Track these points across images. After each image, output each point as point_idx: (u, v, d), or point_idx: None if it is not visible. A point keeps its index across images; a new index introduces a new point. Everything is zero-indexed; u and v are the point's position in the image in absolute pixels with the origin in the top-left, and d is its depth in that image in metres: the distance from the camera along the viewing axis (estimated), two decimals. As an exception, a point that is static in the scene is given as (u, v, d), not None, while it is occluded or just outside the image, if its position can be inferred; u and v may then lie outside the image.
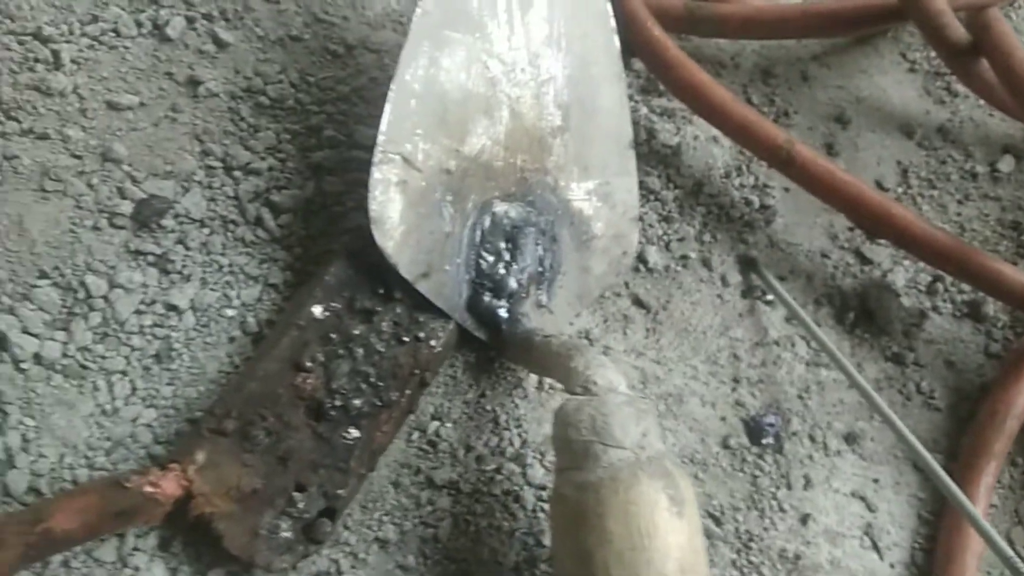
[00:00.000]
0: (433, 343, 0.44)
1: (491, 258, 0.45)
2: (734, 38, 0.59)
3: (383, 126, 0.41)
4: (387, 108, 0.42)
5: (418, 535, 0.42)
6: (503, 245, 0.45)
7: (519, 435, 0.45)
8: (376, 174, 0.41)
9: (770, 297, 0.53)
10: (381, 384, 0.42)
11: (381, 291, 0.44)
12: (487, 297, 0.45)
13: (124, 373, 0.41)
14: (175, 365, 0.42)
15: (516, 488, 0.44)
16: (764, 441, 0.49)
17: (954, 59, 0.54)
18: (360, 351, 0.43)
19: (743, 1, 0.58)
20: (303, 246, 0.47)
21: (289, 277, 0.46)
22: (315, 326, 0.42)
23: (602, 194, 0.49)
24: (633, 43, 0.54)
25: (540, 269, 0.46)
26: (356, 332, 0.43)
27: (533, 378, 0.47)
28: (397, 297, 0.44)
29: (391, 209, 0.42)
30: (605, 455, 0.36)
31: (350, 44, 0.53)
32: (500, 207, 0.46)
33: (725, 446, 0.48)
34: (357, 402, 0.42)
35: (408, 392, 0.43)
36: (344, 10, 0.54)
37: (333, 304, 0.43)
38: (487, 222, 0.45)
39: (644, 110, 0.57)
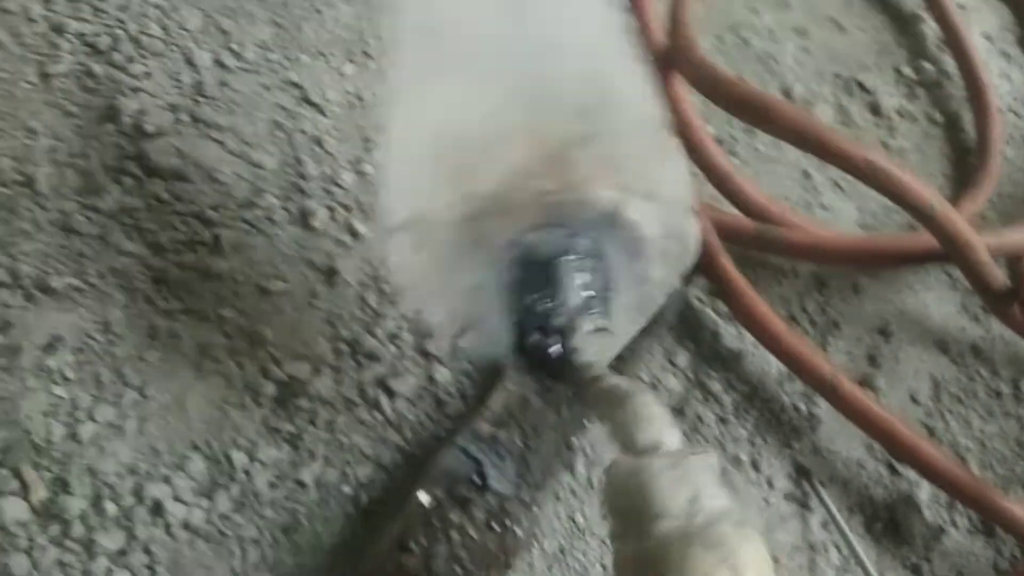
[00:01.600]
0: (518, 531, 0.50)
1: (532, 296, 0.42)
2: (797, 260, 0.67)
3: (384, 197, 0.41)
4: (385, 174, 0.41)
5: None
6: (542, 280, 0.42)
7: (584, 624, 0.52)
8: (390, 249, 0.40)
9: (811, 503, 0.60)
10: (472, 568, 0.49)
11: (478, 481, 0.51)
12: (536, 336, 0.42)
13: (256, 542, 0.48)
14: (298, 537, 0.49)
15: None
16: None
17: (994, 303, 0.61)
18: (456, 536, 0.50)
19: (806, 229, 0.65)
20: (412, 431, 0.54)
21: (398, 458, 0.53)
22: (421, 511, 0.49)
23: (645, 191, 0.44)
24: (703, 266, 0.62)
25: (590, 293, 0.42)
26: (454, 519, 0.50)
27: (599, 569, 0.53)
28: (491, 488, 0.51)
29: (414, 276, 0.41)
30: (653, 526, 0.33)
31: (463, 238, 0.61)
32: (529, 240, 0.42)
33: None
34: (451, 585, 0.48)
35: (495, 575, 0.49)
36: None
37: (436, 492, 0.50)
38: (518, 260, 0.42)
39: (710, 311, 0.64)
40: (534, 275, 0.41)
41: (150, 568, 0.46)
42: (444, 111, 0.40)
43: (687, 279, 0.62)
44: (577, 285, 0.41)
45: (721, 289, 0.62)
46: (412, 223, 0.40)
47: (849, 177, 0.75)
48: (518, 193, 0.41)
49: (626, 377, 0.41)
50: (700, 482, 0.34)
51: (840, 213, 0.74)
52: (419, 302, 0.42)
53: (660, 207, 0.44)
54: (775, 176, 0.73)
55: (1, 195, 0.53)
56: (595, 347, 0.42)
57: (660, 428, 0.36)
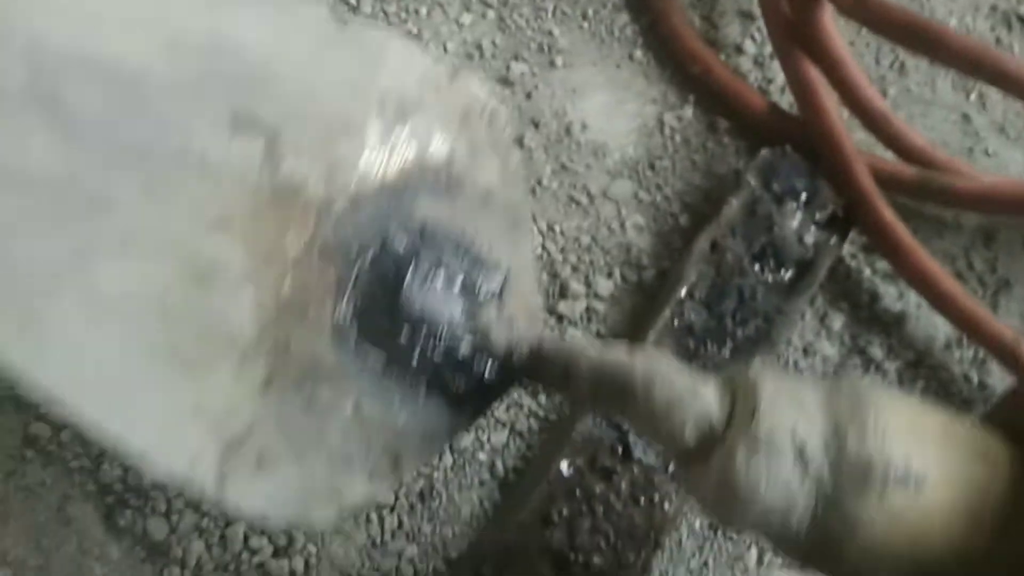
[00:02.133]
0: (667, 506, 0.47)
1: (417, 355, 0.33)
2: (966, 210, 0.60)
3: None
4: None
5: None
6: (409, 325, 0.33)
7: (738, 607, 0.48)
8: (232, 498, 0.29)
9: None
10: (619, 543, 0.46)
11: (620, 450, 0.48)
12: (460, 377, 0.34)
13: (392, 508, 0.47)
14: (435, 504, 0.47)
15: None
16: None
17: None
18: (600, 509, 0.47)
19: (975, 176, 0.58)
20: (546, 395, 0.51)
21: (533, 424, 0.50)
22: (561, 481, 0.46)
23: (393, 114, 0.34)
24: (862, 221, 0.56)
25: (458, 283, 0.35)
26: (597, 490, 0.47)
27: (753, 552, 0.49)
28: (635, 458, 0.47)
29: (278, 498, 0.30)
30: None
31: (592, 193, 0.57)
32: (343, 307, 0.32)
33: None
34: (597, 560, 0.45)
35: (643, 553, 0.46)
36: (587, 158, 0.58)
37: (577, 461, 0.47)
38: (368, 339, 0.33)
39: (867, 271, 0.58)
40: (397, 329, 0.32)
41: (287, 534, 0.45)
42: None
43: (842, 233, 0.56)
44: (442, 293, 0.33)
45: (881, 244, 0.56)
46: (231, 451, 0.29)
47: (1016, 120, 0.67)
48: (292, 282, 0.30)
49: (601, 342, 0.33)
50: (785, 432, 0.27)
51: (1006, 160, 0.66)
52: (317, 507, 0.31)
53: (420, 117, 0.34)
54: (931, 120, 0.66)
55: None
56: (517, 310, 0.35)
57: (699, 405, 0.29)
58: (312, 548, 0.45)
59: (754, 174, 0.56)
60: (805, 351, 0.55)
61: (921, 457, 0.26)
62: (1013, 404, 0.29)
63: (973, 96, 0.67)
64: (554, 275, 0.54)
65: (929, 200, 0.59)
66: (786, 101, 0.63)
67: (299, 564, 0.45)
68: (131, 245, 0.27)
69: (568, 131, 0.59)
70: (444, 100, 0.34)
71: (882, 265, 0.58)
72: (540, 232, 0.56)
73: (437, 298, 0.33)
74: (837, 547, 0.26)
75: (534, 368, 0.34)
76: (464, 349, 0.33)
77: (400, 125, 0.32)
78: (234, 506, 0.29)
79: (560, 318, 0.53)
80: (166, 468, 0.28)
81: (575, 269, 0.55)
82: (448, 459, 0.48)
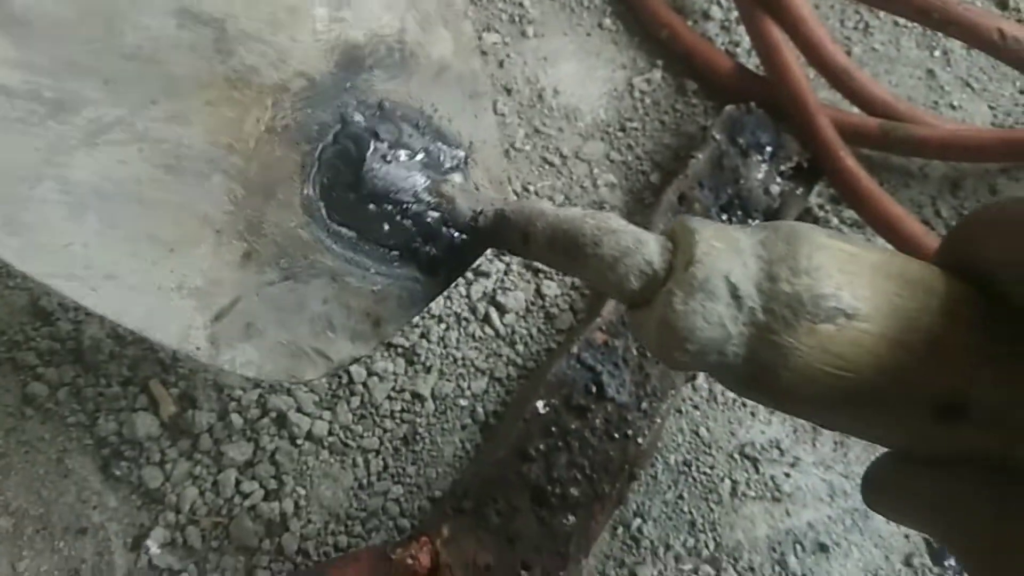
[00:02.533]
0: (640, 440, 0.49)
1: (385, 223, 0.35)
2: (929, 159, 0.62)
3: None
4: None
5: (621, 622, 0.47)
6: (375, 200, 0.34)
7: (713, 539, 0.50)
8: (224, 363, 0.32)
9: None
10: (595, 476, 0.48)
11: (594, 390, 0.50)
12: (428, 246, 0.35)
13: (377, 452, 0.49)
14: (418, 447, 0.49)
15: (711, 588, 0.48)
16: (946, 562, 0.51)
17: None
18: (576, 444, 0.48)
19: (937, 125, 0.60)
20: (524, 344, 0.53)
21: (511, 372, 0.52)
22: (538, 420, 0.48)
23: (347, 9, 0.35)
24: (826, 169, 0.58)
25: (421, 154, 0.36)
26: (573, 427, 0.49)
27: (727, 483, 0.51)
28: (609, 397, 0.49)
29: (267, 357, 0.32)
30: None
31: (565, 154, 0.59)
32: (309, 185, 0.34)
33: (908, 564, 0.51)
34: (574, 491, 0.47)
35: (618, 485, 0.48)
36: (559, 122, 0.61)
37: (553, 400, 0.49)
38: (318, 206, 0.34)
39: (834, 220, 0.60)
40: (364, 204, 0.34)
41: (277, 478, 0.47)
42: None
43: (808, 184, 0.58)
44: (404, 167, 0.34)
45: (845, 191, 0.58)
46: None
47: (980, 74, 0.69)
48: (252, 153, 0.32)
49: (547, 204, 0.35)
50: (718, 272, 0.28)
51: (972, 112, 0.68)
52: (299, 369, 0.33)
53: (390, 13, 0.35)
54: (896, 76, 0.68)
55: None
56: (481, 179, 0.36)
57: (643, 253, 0.30)
58: (301, 490, 0.47)
59: (720, 129, 0.58)
60: (775, 297, 0.57)
61: (853, 288, 0.27)
62: (955, 237, 0.30)
63: (937, 52, 0.69)
64: (530, 232, 0.57)
65: (893, 150, 0.61)
66: (752, 64, 0.65)
67: (289, 506, 0.47)
68: (100, 140, 0.29)
69: (540, 97, 0.62)
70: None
71: (849, 214, 0.60)
72: (515, 192, 0.58)
73: (400, 172, 0.34)
74: (772, 376, 0.28)
75: (497, 232, 0.35)
76: (431, 219, 0.34)
77: (347, 2, 0.33)
78: (228, 368, 0.32)
79: (536, 272, 0.55)
80: (161, 340, 0.31)
81: (550, 226, 0.57)
82: (431, 405, 0.50)
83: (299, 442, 0.48)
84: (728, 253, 0.29)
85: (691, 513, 0.50)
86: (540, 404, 0.49)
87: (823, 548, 0.50)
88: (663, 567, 0.49)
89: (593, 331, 0.51)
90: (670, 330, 0.28)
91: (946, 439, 0.27)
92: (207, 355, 0.31)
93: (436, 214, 0.35)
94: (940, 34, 0.68)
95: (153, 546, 0.46)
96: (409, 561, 0.43)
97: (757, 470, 0.52)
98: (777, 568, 0.49)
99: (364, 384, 0.50)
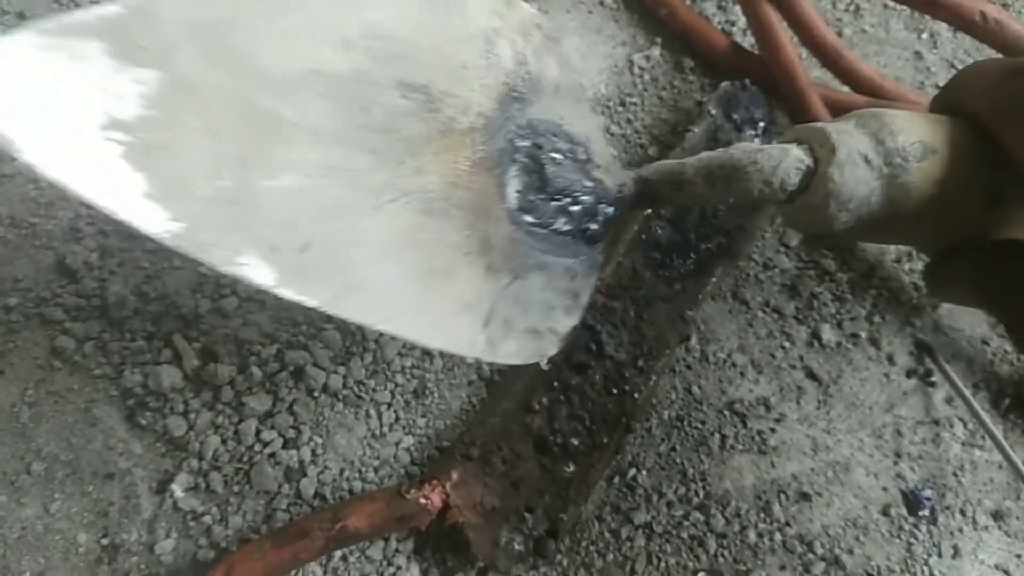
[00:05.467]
0: (636, 395, 0.53)
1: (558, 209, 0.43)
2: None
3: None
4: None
5: (617, 565, 0.52)
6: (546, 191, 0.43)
7: (703, 488, 0.54)
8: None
9: (933, 379, 0.60)
10: (594, 427, 0.52)
11: (593, 348, 0.54)
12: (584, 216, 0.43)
13: (389, 405, 0.53)
14: (428, 401, 0.53)
15: (700, 534, 0.53)
16: (921, 512, 0.56)
17: None
18: (576, 398, 0.53)
19: (921, 102, 0.65)
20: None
21: (515, 332, 0.56)
22: (541, 375, 0.53)
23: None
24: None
25: (575, 154, 0.44)
26: (573, 382, 0.53)
27: (717, 437, 0.56)
28: (607, 355, 0.54)
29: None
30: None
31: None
32: (508, 199, 0.42)
33: (885, 514, 0.56)
34: (575, 441, 0.52)
35: (616, 436, 0.52)
36: (562, 95, 0.65)
37: (555, 358, 0.53)
38: (518, 213, 0.42)
39: (821, 195, 0.65)
40: (547, 202, 0.43)
41: (295, 428, 0.51)
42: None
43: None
44: (562, 168, 0.43)
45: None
46: None
47: (965, 57, 0.74)
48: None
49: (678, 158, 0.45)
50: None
51: (957, 94, 0.72)
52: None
53: (501, 41, 0.43)
54: (885, 58, 0.72)
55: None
56: (604, 160, 0.44)
57: (794, 156, 0.42)
58: (318, 439, 0.51)
59: (715, 104, 0.62)
60: (765, 265, 0.62)
61: (926, 134, 0.42)
62: (947, 88, 0.46)
63: (925, 35, 0.74)
64: (533, 201, 0.61)
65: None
66: (747, 43, 0.69)
67: (307, 454, 0.51)
68: (381, 202, 0.37)
69: (543, 71, 0.65)
70: (508, 22, 0.43)
71: (837, 188, 0.64)
72: (519, 163, 0.62)
73: (562, 171, 0.43)
74: (902, 209, 0.42)
75: (648, 195, 0.45)
76: (588, 201, 0.43)
77: (491, 51, 0.41)
78: (503, 360, 0.41)
79: (539, 238, 0.59)
80: (458, 352, 0.40)
81: (552, 195, 0.61)
82: (439, 362, 0.54)
83: (316, 394, 0.52)
84: (848, 135, 0.41)
85: (683, 464, 0.55)
86: (543, 361, 0.53)
87: (805, 497, 0.55)
88: (656, 513, 0.53)
89: (593, 293, 0.55)
90: (836, 198, 0.41)
91: (995, 222, 0.43)
92: (489, 355, 0.40)
93: (591, 197, 0.43)
94: (927, 17, 0.72)
95: (178, 490, 0.50)
96: (423, 501, 0.48)
97: (745, 425, 0.56)
98: (762, 515, 0.54)
99: (376, 341, 0.54)
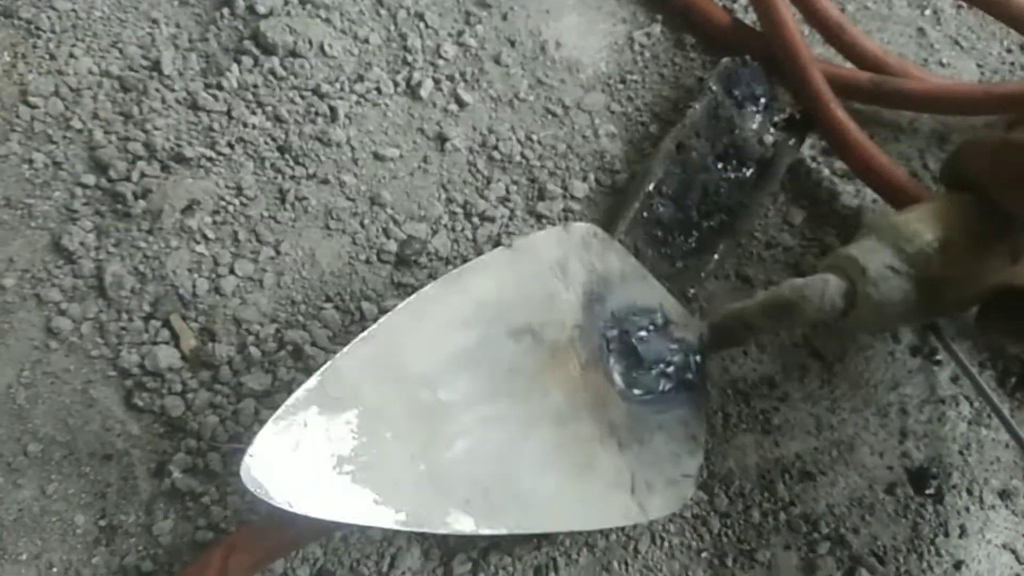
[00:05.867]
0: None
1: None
2: (917, 111, 0.66)
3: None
4: None
5: (620, 545, 0.51)
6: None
7: (707, 467, 0.54)
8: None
9: (939, 357, 0.60)
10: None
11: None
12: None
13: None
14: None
15: (704, 514, 0.53)
16: (927, 491, 0.56)
17: None
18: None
19: (926, 79, 0.64)
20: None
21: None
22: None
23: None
24: (817, 120, 0.62)
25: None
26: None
27: (720, 416, 0.55)
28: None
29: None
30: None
31: (567, 105, 0.63)
32: (616, 384, 0.51)
33: (890, 493, 0.56)
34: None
35: None
36: (561, 73, 0.64)
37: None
38: (628, 391, 0.51)
39: (826, 171, 0.64)
40: (647, 372, 0.52)
41: (294, 408, 0.51)
42: None
43: (800, 135, 0.62)
44: (649, 339, 0.52)
45: (834, 141, 0.62)
46: None
47: (968, 33, 0.73)
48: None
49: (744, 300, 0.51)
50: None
51: (960, 69, 0.72)
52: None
53: (573, 262, 0.51)
54: (888, 34, 0.72)
55: (132, 78, 0.58)
56: (678, 316, 0.53)
57: (833, 285, 0.49)
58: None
59: (716, 81, 0.62)
60: (768, 244, 0.61)
61: (938, 232, 0.48)
62: (950, 161, 0.52)
63: (928, 11, 0.73)
64: (533, 180, 0.60)
65: (883, 102, 0.65)
66: (749, 19, 0.69)
67: (305, 434, 0.50)
68: (527, 430, 0.46)
69: (543, 49, 0.65)
70: (571, 244, 0.52)
71: (840, 165, 0.64)
72: (519, 141, 0.61)
73: (650, 343, 0.52)
74: (936, 298, 0.49)
75: (722, 338, 0.52)
76: (679, 357, 0.52)
77: (566, 274, 0.51)
78: (655, 516, 0.49)
79: (539, 217, 0.59)
80: (615, 525, 0.49)
81: (552, 174, 0.61)
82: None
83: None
84: (872, 252, 0.48)
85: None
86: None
87: (809, 476, 0.55)
88: (659, 492, 0.53)
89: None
90: (881, 310, 0.48)
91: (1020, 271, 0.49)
92: (643, 517, 0.48)
93: (680, 355, 0.52)
94: (931, -8, 0.71)
95: (176, 471, 0.49)
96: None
97: (748, 404, 0.56)
98: (766, 494, 0.54)
99: (375, 320, 0.53)
